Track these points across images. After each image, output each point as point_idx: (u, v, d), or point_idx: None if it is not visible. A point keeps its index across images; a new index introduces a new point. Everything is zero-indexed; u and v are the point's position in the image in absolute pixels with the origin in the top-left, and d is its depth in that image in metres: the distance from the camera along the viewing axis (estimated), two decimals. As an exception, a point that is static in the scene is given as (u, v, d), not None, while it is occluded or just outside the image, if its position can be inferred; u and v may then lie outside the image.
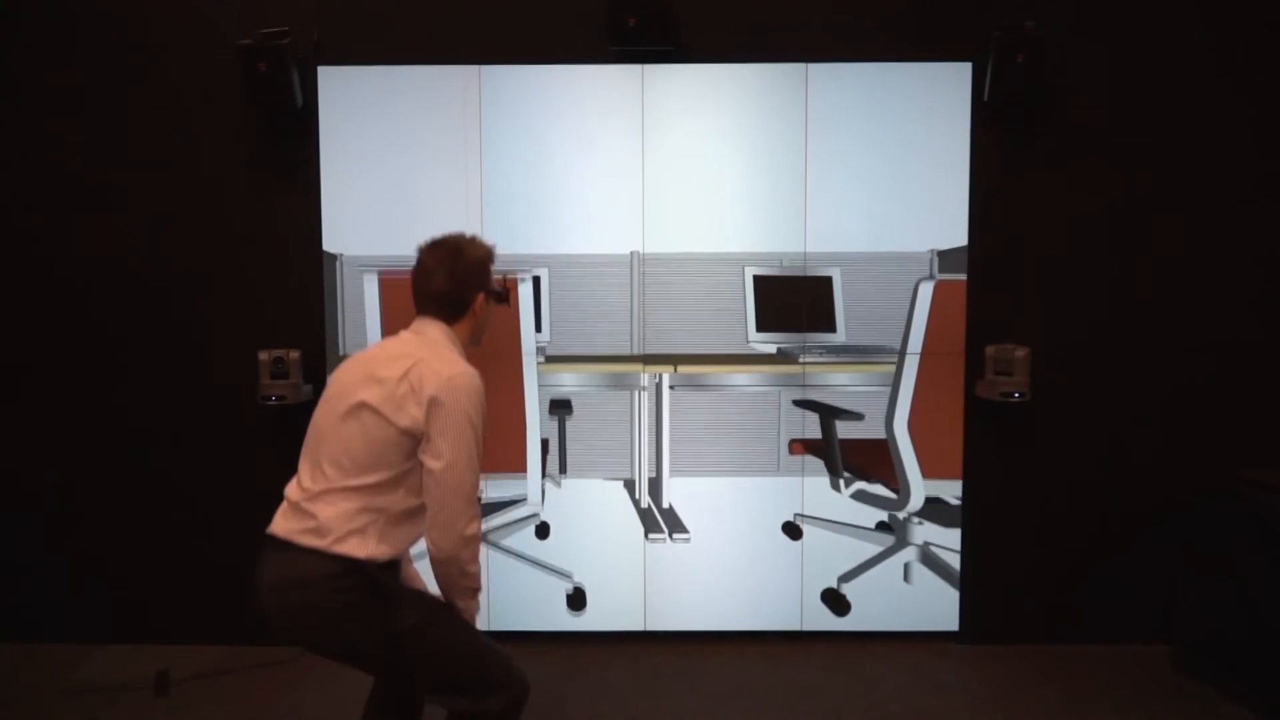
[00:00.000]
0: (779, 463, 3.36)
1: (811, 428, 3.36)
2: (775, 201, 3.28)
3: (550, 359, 3.32)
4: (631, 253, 3.30)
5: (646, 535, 3.38)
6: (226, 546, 3.33)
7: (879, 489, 3.36)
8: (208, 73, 3.24)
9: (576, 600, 3.38)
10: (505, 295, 2.12)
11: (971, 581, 3.37)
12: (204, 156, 3.29)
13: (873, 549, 3.38)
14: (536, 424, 3.33)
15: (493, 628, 3.36)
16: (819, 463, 3.36)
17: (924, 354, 3.29)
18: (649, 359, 3.33)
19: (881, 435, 3.34)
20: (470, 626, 1.99)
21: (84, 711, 2.88)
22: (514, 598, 3.38)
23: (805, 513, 3.37)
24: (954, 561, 3.36)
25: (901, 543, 3.37)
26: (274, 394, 3.20)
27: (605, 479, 3.37)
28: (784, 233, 3.28)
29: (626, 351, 3.33)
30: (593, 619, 3.39)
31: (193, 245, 3.32)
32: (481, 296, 2.02)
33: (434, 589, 2.01)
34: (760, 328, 3.32)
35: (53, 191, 3.31)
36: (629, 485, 3.37)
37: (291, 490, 1.92)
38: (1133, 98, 3.25)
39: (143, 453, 3.36)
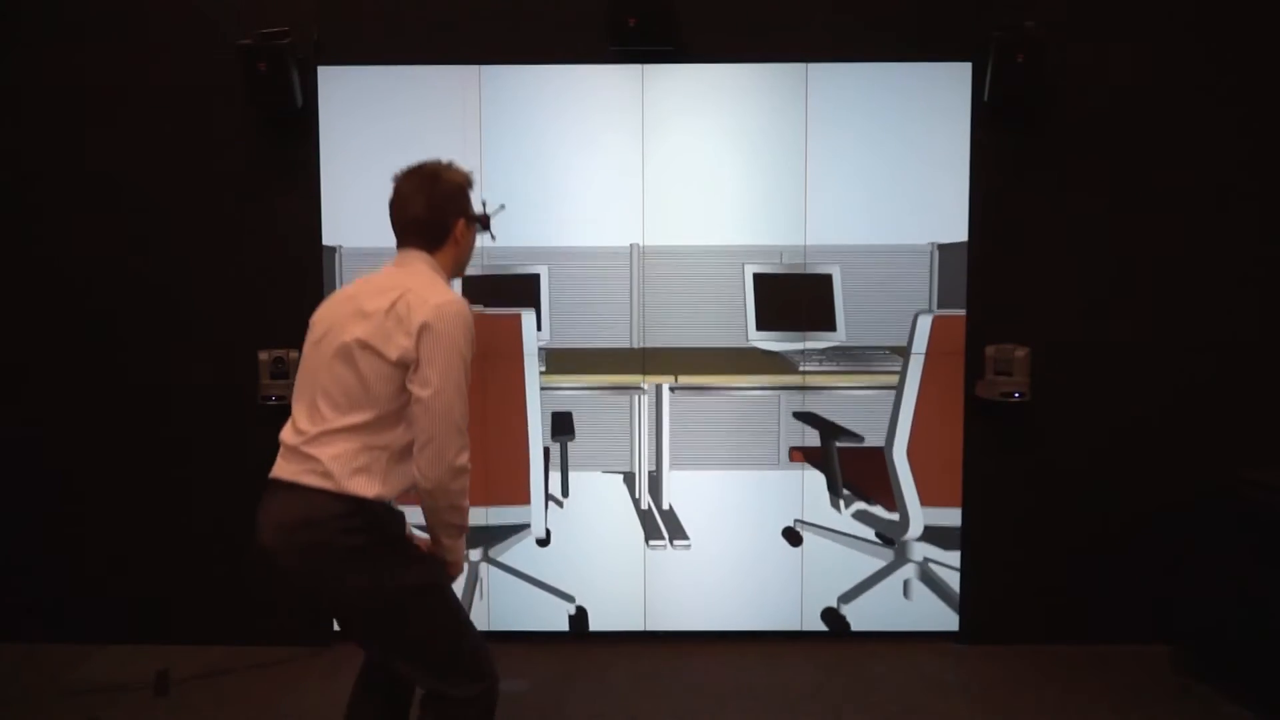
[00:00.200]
0: (779, 458, 3.36)
1: (811, 435, 3.36)
2: (776, 202, 3.28)
3: (551, 357, 3.32)
4: (631, 245, 3.30)
5: (647, 541, 3.38)
6: (226, 546, 3.32)
7: (879, 510, 3.35)
8: (208, 73, 3.24)
9: (579, 622, 3.38)
10: (486, 220, 2.09)
11: (971, 581, 3.37)
12: (204, 156, 3.29)
13: (872, 561, 3.37)
14: (540, 453, 3.32)
15: (493, 628, 3.37)
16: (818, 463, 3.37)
17: (923, 381, 3.28)
18: (649, 360, 3.33)
19: (880, 444, 3.34)
20: (463, 610, 1.96)
21: (84, 711, 2.88)
22: (515, 599, 3.38)
23: (805, 519, 3.37)
24: (953, 580, 3.36)
25: (901, 559, 3.37)
26: (274, 394, 3.20)
27: (603, 471, 3.36)
28: (784, 233, 3.28)
29: (626, 345, 3.33)
30: (593, 620, 3.39)
31: (193, 245, 3.32)
32: (462, 222, 1.98)
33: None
34: (760, 326, 3.32)
35: (53, 191, 3.31)
36: (629, 480, 3.37)
37: (288, 435, 1.88)
38: (1132, 98, 3.25)
39: (143, 453, 3.36)
